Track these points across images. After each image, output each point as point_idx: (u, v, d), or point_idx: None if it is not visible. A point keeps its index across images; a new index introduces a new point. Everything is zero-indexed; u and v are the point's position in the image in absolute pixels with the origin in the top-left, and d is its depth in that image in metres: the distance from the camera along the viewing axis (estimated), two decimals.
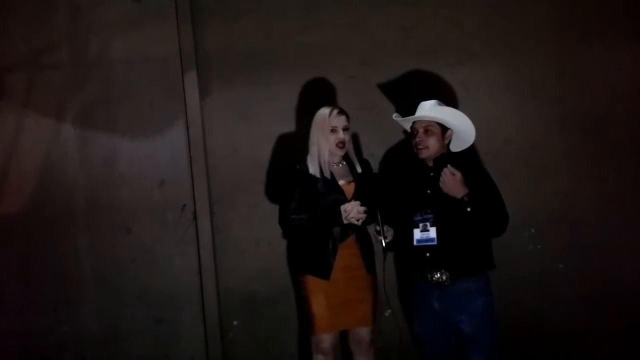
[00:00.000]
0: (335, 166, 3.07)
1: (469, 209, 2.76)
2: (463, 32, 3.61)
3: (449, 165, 2.80)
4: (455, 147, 2.97)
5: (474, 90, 3.59)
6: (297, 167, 3.03)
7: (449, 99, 3.52)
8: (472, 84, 3.60)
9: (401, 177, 3.10)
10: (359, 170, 3.11)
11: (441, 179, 2.80)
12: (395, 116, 3.02)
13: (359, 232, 3.04)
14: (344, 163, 3.09)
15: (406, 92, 3.57)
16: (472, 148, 3.23)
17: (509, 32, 3.61)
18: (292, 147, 3.36)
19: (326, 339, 3.03)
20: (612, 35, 3.61)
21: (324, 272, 2.98)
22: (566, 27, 3.62)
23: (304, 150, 3.08)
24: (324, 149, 2.99)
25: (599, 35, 3.61)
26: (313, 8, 3.62)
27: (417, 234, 2.86)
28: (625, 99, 3.61)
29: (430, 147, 2.88)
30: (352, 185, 3.05)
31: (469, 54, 3.61)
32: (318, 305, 3.01)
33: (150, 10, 3.57)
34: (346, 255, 3.01)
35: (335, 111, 3.01)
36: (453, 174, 2.78)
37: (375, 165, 3.56)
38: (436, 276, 2.84)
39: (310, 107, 3.17)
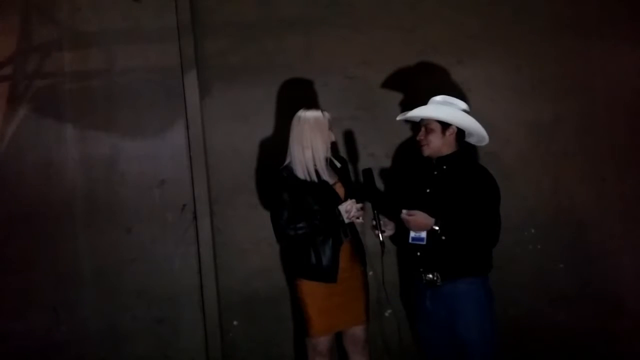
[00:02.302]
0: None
1: (443, 237, 2.76)
2: (463, 32, 3.61)
3: (403, 211, 2.80)
4: (476, 142, 3.00)
5: (474, 90, 3.59)
6: (284, 174, 2.98)
7: None
8: (472, 83, 3.60)
9: (406, 174, 3.10)
10: (338, 165, 3.10)
11: (406, 225, 2.81)
12: (398, 118, 3.05)
13: (351, 230, 3.05)
14: (326, 163, 3.06)
15: (406, 92, 3.57)
16: (473, 148, 3.24)
17: (509, 32, 3.61)
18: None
19: (323, 342, 3.03)
20: (612, 35, 3.61)
21: (330, 276, 2.95)
22: (566, 27, 3.62)
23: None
24: (322, 151, 2.96)
25: (599, 35, 3.61)
26: (313, 8, 3.62)
27: (412, 232, 2.85)
28: (625, 99, 3.61)
29: (430, 144, 2.88)
30: (340, 184, 3.05)
31: (469, 54, 3.61)
32: (315, 308, 3.00)
33: (151, 10, 3.57)
34: (342, 255, 3.00)
35: (327, 113, 3.01)
36: (410, 215, 2.78)
37: (376, 165, 3.55)
38: (429, 276, 2.84)
39: (310, 108, 3.15)
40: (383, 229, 2.87)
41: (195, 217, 3.56)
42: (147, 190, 3.57)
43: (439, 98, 2.95)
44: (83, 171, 3.56)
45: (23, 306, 3.53)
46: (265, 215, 3.49)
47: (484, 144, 3.01)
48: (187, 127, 3.55)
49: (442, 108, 2.91)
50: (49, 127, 3.55)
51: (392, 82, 3.61)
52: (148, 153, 3.58)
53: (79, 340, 3.54)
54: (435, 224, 2.77)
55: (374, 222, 2.87)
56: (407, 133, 3.55)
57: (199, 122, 3.55)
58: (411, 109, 2.96)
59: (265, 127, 3.60)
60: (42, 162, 3.54)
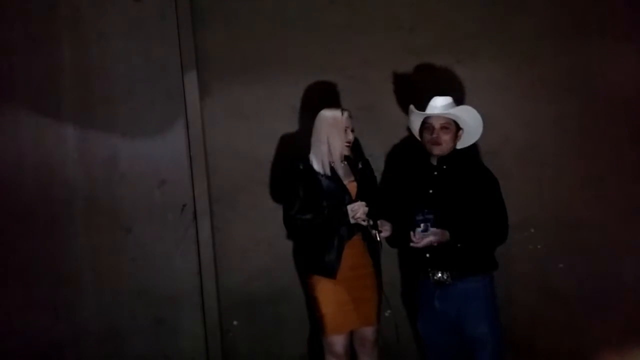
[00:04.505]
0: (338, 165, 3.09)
1: (459, 245, 2.77)
2: (463, 32, 3.61)
3: (415, 235, 2.78)
4: (460, 144, 2.99)
5: (474, 90, 3.59)
6: (301, 166, 3.05)
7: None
8: (472, 83, 3.60)
9: (405, 176, 3.11)
10: (360, 165, 3.15)
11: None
12: (413, 110, 3.01)
13: (365, 230, 3.05)
14: (345, 162, 3.12)
15: (406, 92, 3.57)
16: (474, 148, 3.25)
17: (509, 32, 3.61)
18: (293, 147, 3.36)
19: (339, 342, 3.05)
20: (612, 35, 3.61)
21: (331, 271, 2.99)
22: (566, 27, 3.62)
23: (306, 149, 3.10)
24: (337, 148, 3.04)
25: (599, 35, 3.61)
26: (313, 8, 3.62)
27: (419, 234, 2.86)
28: (625, 99, 3.61)
29: (444, 143, 2.88)
30: (354, 184, 3.07)
31: (469, 54, 3.61)
32: (327, 305, 3.03)
33: (150, 10, 3.57)
34: (353, 253, 3.03)
35: (347, 112, 3.08)
36: (423, 239, 2.77)
37: (376, 165, 3.55)
38: (437, 276, 2.84)
39: (308, 107, 3.17)
40: (380, 229, 2.89)
41: (195, 217, 3.56)
42: (147, 190, 3.57)
43: (446, 98, 2.93)
44: (83, 171, 3.56)
45: (23, 306, 3.53)
46: (265, 215, 3.52)
47: (465, 146, 3.02)
48: (187, 127, 3.55)
49: (466, 110, 2.93)
50: (49, 127, 3.55)
51: (392, 82, 3.61)
52: (148, 153, 3.58)
53: (79, 340, 3.54)
54: (451, 236, 2.77)
55: (371, 223, 2.88)
56: (406, 133, 3.55)
57: (199, 122, 3.55)
58: (410, 109, 2.96)
59: (265, 127, 3.60)
60: (42, 162, 3.54)
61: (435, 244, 2.79)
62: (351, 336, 3.14)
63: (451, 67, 3.61)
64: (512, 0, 3.63)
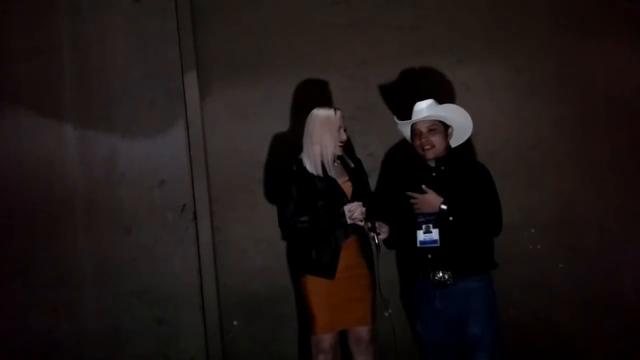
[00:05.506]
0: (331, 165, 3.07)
1: (450, 218, 2.79)
2: (463, 32, 3.61)
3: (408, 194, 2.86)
4: (453, 143, 2.99)
5: (474, 90, 3.59)
6: (294, 167, 3.04)
7: (449, 99, 3.52)
8: (472, 84, 3.60)
9: (404, 178, 3.11)
10: (352, 165, 3.14)
11: (415, 206, 2.86)
12: (397, 121, 3.04)
13: (360, 231, 3.05)
14: (338, 162, 3.11)
15: (406, 92, 3.56)
16: (472, 148, 3.25)
17: (509, 32, 3.61)
18: (290, 147, 3.36)
19: (326, 338, 3.04)
20: (612, 35, 3.60)
21: (329, 272, 2.99)
22: (566, 27, 3.62)
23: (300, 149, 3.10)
24: (330, 148, 3.01)
25: (599, 35, 3.61)
26: (313, 8, 3.62)
27: (421, 235, 2.87)
28: (626, 99, 3.61)
29: (436, 145, 2.89)
30: (349, 183, 3.07)
31: (469, 54, 3.61)
32: (319, 305, 3.02)
33: (150, 10, 3.58)
34: (348, 254, 3.02)
35: (339, 111, 3.05)
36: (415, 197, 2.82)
37: (376, 165, 3.56)
38: (438, 275, 2.85)
39: (307, 107, 3.17)
40: (378, 231, 2.89)
41: (195, 217, 3.56)
42: (147, 190, 3.58)
43: (428, 101, 2.94)
44: (83, 171, 3.56)
45: (23, 306, 3.53)
46: (265, 215, 3.52)
47: (461, 142, 3.04)
48: (187, 127, 3.56)
49: (449, 107, 2.95)
50: (49, 127, 3.55)
51: (392, 82, 3.61)
52: (148, 153, 3.58)
53: (79, 340, 3.55)
54: (444, 203, 2.80)
55: (369, 225, 2.88)
56: None
57: (199, 122, 3.56)
58: (411, 109, 2.97)
59: (265, 127, 3.61)
60: (42, 162, 3.54)
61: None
62: (346, 335, 3.14)
63: (452, 67, 3.61)
64: (512, 0, 3.63)
